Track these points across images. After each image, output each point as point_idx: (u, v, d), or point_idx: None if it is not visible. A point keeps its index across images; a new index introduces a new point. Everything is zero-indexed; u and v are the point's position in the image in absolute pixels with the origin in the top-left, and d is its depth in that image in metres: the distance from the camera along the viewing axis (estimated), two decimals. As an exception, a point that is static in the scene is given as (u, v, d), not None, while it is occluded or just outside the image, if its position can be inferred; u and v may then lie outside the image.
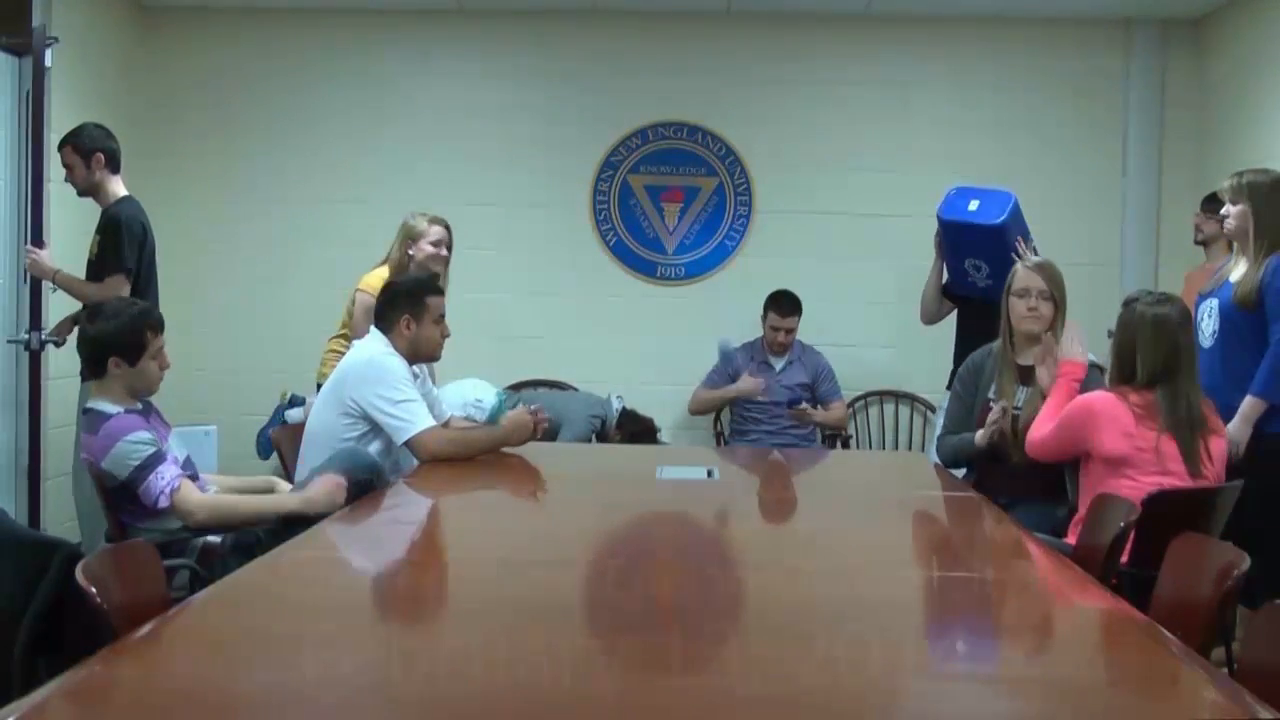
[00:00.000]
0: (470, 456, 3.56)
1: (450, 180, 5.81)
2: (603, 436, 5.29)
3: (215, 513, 3.07)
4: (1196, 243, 4.76)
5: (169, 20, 5.76)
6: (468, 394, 5.44)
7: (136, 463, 2.98)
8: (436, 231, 4.50)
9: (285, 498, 3.13)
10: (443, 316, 3.76)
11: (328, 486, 3.08)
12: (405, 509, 3.17)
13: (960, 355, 4.91)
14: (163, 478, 3.00)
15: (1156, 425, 3.08)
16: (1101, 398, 3.18)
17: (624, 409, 5.36)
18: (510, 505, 3.22)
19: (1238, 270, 3.66)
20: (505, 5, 5.74)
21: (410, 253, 4.46)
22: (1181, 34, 5.67)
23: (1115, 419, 3.11)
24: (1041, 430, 3.33)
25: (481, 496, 3.36)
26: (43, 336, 4.44)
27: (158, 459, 3.01)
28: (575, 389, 5.66)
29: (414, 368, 3.70)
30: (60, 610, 2.34)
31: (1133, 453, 3.08)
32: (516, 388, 5.64)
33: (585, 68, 5.82)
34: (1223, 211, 3.75)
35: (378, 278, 4.30)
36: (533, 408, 3.79)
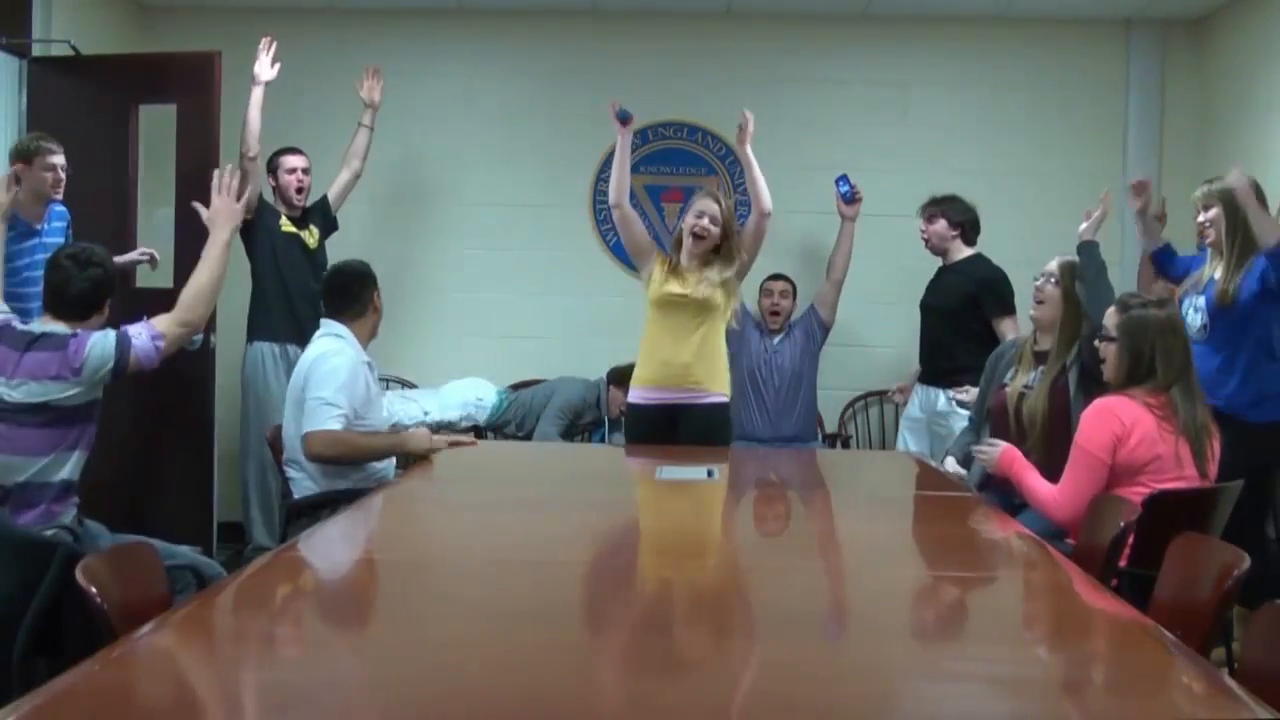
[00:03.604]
0: (359, 460, 3.58)
1: (450, 180, 5.81)
2: (594, 423, 5.35)
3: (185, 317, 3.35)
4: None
5: (169, 20, 5.76)
6: (469, 393, 5.46)
7: (113, 343, 3.18)
8: (698, 204, 4.27)
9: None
10: None
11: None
12: (404, 509, 3.17)
13: (927, 357, 5.01)
14: (140, 335, 3.22)
15: (1174, 428, 3.05)
16: (1120, 403, 3.08)
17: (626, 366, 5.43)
18: (510, 505, 3.22)
19: (1220, 270, 3.76)
20: (505, 5, 5.74)
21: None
22: (1181, 34, 5.67)
23: (1139, 421, 3.04)
24: (1054, 489, 3.15)
25: (481, 497, 3.36)
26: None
27: (125, 333, 3.23)
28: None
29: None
30: (60, 610, 2.35)
31: (1153, 458, 3.03)
32: (516, 388, 5.64)
33: (585, 68, 5.81)
34: (1200, 218, 3.82)
35: None
36: (459, 440, 3.92)
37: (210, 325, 4.66)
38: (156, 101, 5.06)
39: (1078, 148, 5.69)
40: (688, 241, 4.20)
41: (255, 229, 4.95)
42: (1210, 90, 5.55)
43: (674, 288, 4.15)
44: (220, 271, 3.44)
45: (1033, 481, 3.25)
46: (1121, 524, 2.68)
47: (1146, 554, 2.71)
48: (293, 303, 5.00)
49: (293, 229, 5.06)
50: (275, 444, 3.76)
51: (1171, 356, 3.09)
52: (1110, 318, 3.22)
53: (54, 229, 4.29)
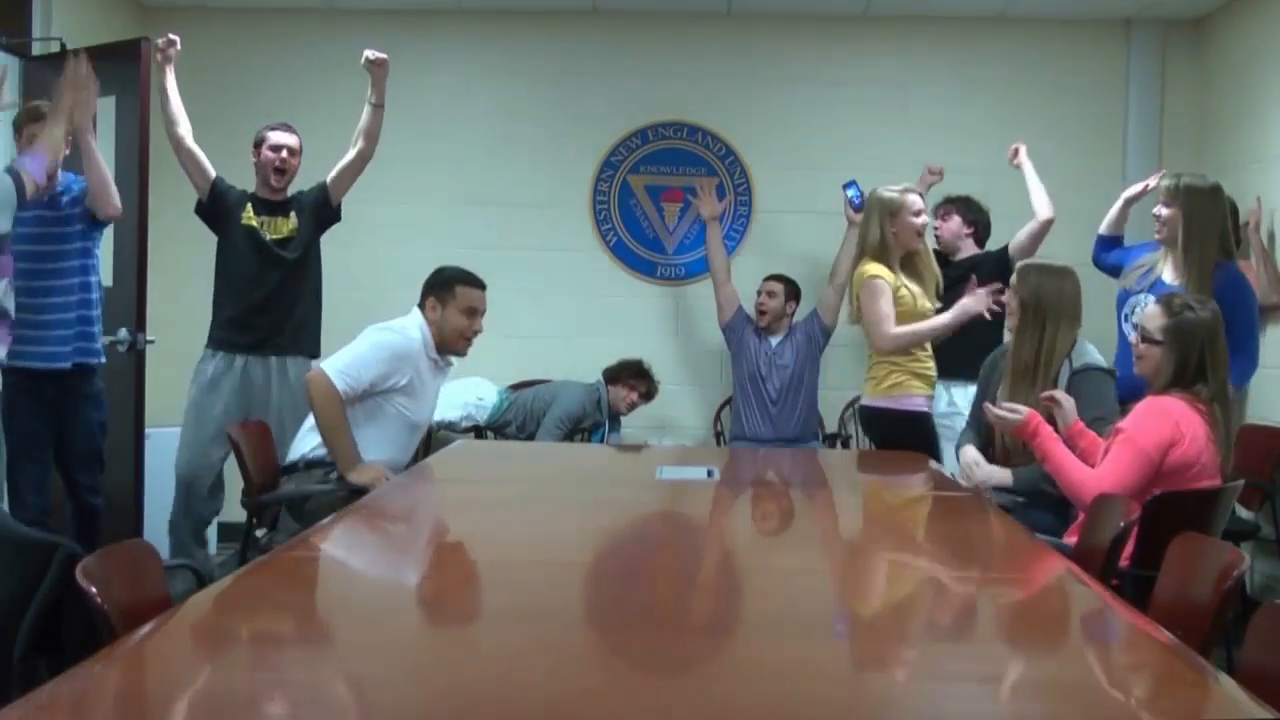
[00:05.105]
0: (320, 429, 3.64)
1: (450, 180, 5.81)
2: (594, 425, 5.35)
3: None
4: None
5: (169, 20, 5.75)
6: (469, 394, 5.47)
7: None
8: (915, 201, 4.15)
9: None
10: (474, 311, 3.83)
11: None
12: (405, 509, 3.17)
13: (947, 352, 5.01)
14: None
15: (1216, 436, 3.05)
16: (1176, 405, 3.05)
17: (618, 363, 5.46)
18: (510, 505, 3.22)
19: (1169, 271, 3.70)
20: (505, 5, 5.75)
21: (893, 230, 4.10)
22: (1181, 34, 5.67)
23: (1194, 427, 3.03)
24: (1091, 470, 3.11)
25: (482, 496, 3.36)
26: (146, 338, 4.64)
27: None
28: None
29: (441, 358, 3.84)
30: (60, 610, 2.34)
31: (1197, 462, 3.02)
32: (516, 388, 5.64)
33: (585, 68, 5.82)
34: (1155, 210, 3.77)
35: (872, 269, 4.10)
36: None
37: (139, 324, 4.59)
38: (102, 94, 4.70)
39: (1078, 148, 5.69)
40: (914, 242, 4.16)
41: (218, 217, 4.45)
42: (1210, 90, 5.55)
43: (926, 303, 4.19)
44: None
45: (1063, 455, 3.17)
46: (1121, 524, 2.68)
47: (1147, 554, 2.71)
48: (239, 304, 4.41)
49: (253, 222, 4.40)
50: (237, 445, 3.75)
51: (1218, 362, 3.07)
52: (1155, 319, 3.13)
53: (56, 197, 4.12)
